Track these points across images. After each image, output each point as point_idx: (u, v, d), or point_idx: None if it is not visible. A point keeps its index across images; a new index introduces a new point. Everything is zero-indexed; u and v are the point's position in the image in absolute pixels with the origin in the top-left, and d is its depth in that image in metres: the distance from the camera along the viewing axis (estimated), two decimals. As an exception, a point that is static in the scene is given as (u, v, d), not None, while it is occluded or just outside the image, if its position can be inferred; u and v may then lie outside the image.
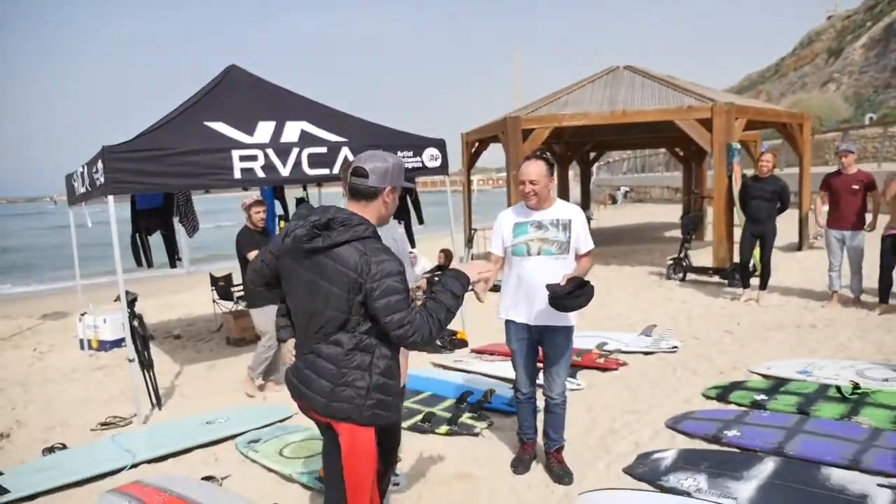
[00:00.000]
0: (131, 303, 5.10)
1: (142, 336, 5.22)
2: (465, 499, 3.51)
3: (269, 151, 5.57)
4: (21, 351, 7.96)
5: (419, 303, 2.39)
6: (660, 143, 17.19)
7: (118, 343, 7.28)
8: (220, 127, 5.78)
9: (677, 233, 10.00)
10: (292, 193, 8.48)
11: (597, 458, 3.85)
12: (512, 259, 3.52)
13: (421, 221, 7.68)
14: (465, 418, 4.45)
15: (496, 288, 3.58)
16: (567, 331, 3.54)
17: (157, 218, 7.30)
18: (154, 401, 5.32)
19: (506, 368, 3.88)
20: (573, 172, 19.39)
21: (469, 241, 11.30)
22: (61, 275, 17.62)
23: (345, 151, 5.91)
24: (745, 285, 7.72)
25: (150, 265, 7.49)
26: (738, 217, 8.17)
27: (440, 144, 6.55)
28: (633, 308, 7.79)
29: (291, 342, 2.64)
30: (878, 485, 3.15)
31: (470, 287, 2.51)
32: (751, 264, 7.71)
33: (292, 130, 6.01)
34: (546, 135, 9.99)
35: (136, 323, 5.15)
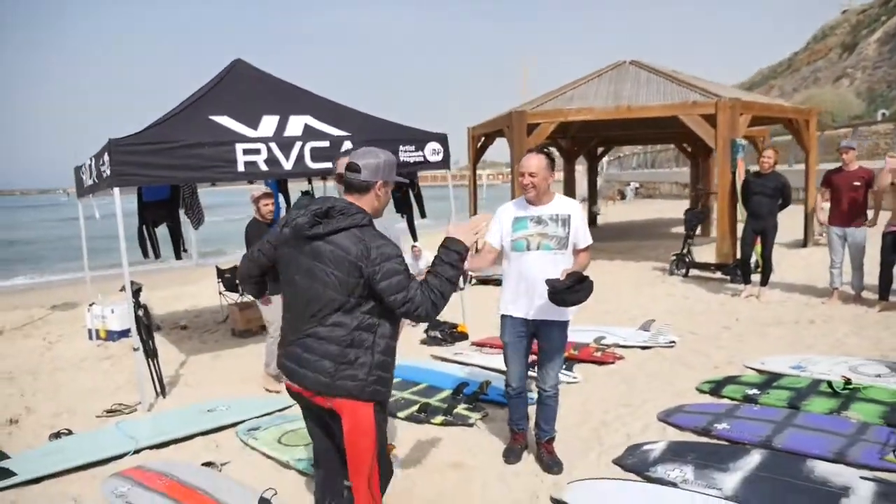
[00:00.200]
0: (136, 293, 5.21)
1: (146, 325, 5.33)
2: (458, 486, 3.59)
3: (273, 145, 5.65)
4: (32, 340, 8.12)
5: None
6: (667, 139, 17.16)
7: (126, 333, 7.40)
8: (224, 121, 5.86)
9: (683, 229, 10.03)
10: (297, 186, 8.57)
11: (588, 450, 3.92)
12: (511, 254, 3.57)
13: (423, 215, 7.76)
14: (461, 409, 4.53)
15: (498, 282, 3.65)
16: (563, 325, 3.60)
17: (164, 210, 7.42)
18: (158, 389, 5.43)
19: (503, 361, 3.97)
20: (581, 167, 19.40)
21: (473, 236, 11.35)
22: (72, 266, 17.83)
23: (347, 146, 5.97)
24: (746, 281, 7.74)
25: (157, 256, 7.60)
26: (741, 213, 8.19)
27: (442, 139, 6.61)
28: (633, 303, 7.83)
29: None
30: (861, 477, 3.20)
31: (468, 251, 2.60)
32: (753, 260, 7.74)
33: (296, 124, 6.09)
34: (551, 129, 10.03)
35: (140, 312, 5.26)
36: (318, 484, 2.84)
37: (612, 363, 5.50)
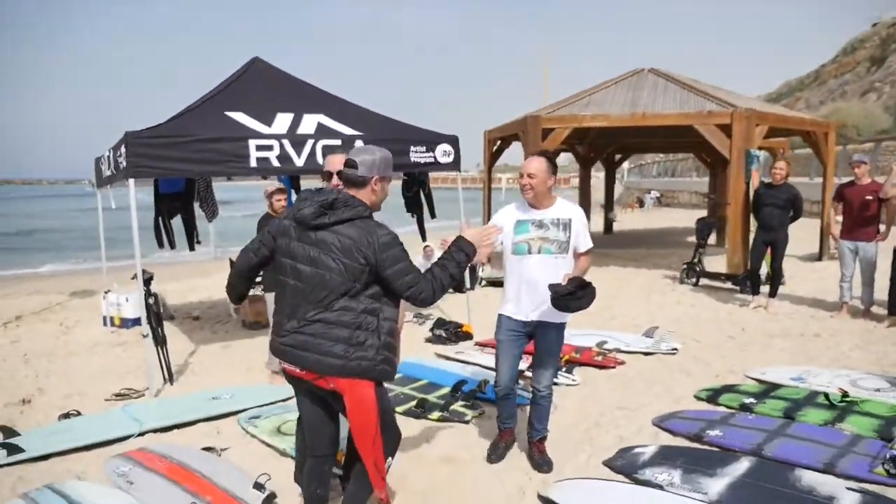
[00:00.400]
0: (147, 281, 5.34)
1: (156, 314, 5.46)
2: (449, 480, 3.65)
3: (285, 142, 5.77)
4: (49, 325, 8.34)
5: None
6: (685, 148, 17.08)
7: (139, 321, 7.55)
8: (239, 117, 6.00)
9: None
10: (310, 183, 8.70)
11: (579, 450, 3.97)
12: (513, 257, 3.61)
13: (433, 216, 7.84)
14: (458, 406, 4.60)
15: (500, 283, 3.71)
16: (560, 327, 3.65)
17: (179, 202, 7.57)
18: (166, 376, 5.57)
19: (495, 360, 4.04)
20: (599, 174, 19.37)
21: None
22: (92, 255, 18.17)
23: (359, 145, 6.08)
24: (755, 292, 7.71)
25: (172, 247, 7.77)
26: (755, 224, 8.16)
27: (453, 141, 6.69)
28: (641, 310, 7.84)
29: None
30: (848, 488, 3.21)
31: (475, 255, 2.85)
32: (764, 272, 7.71)
33: (309, 123, 6.21)
34: (565, 135, 10.06)
35: (150, 301, 5.39)
36: (307, 471, 2.93)
37: (613, 368, 5.54)
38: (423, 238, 8.35)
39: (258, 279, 7.60)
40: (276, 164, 5.72)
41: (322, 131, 6.10)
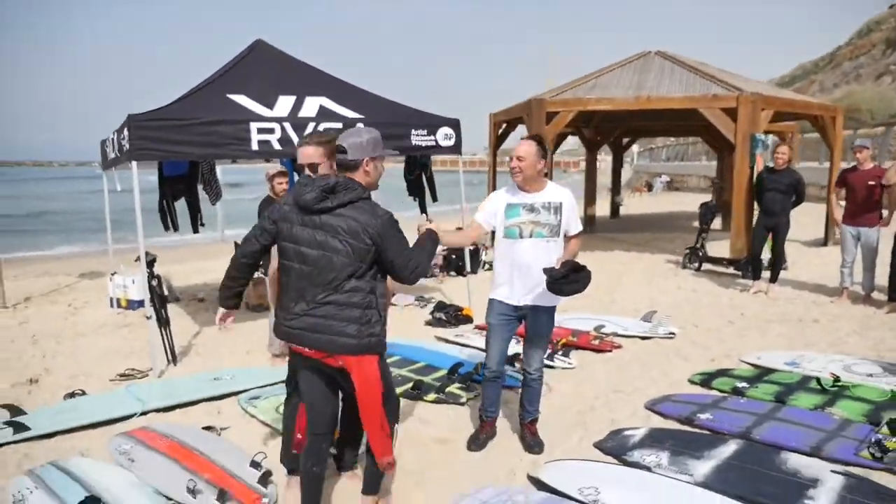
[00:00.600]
0: (150, 263, 5.42)
1: (159, 295, 5.55)
2: (441, 459, 3.73)
3: (287, 125, 5.82)
4: (57, 306, 8.46)
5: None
6: (692, 131, 16.96)
7: (144, 303, 7.69)
8: (241, 100, 6.04)
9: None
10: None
11: (571, 433, 4.03)
12: (504, 241, 3.64)
13: (435, 199, 7.87)
14: (454, 388, 4.66)
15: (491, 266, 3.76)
16: (551, 310, 3.69)
17: (183, 185, 7.65)
18: (169, 357, 5.67)
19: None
20: (609, 157, 19.23)
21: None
22: (101, 237, 18.34)
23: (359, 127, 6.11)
24: (756, 277, 7.72)
25: (175, 229, 7.86)
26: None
27: (454, 124, 6.71)
28: (641, 294, 7.87)
29: None
30: (832, 471, 3.26)
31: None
32: (767, 257, 7.71)
33: (311, 105, 6.24)
34: (569, 118, 10.03)
35: (154, 283, 5.48)
36: (306, 449, 2.99)
37: (610, 351, 5.58)
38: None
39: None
40: (277, 147, 5.77)
41: (324, 114, 6.14)
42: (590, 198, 15.61)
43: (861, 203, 6.81)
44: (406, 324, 6.72)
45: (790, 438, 3.64)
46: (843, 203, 7.16)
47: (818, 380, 4.43)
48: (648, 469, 3.42)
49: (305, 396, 2.97)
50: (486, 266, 9.82)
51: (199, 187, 7.93)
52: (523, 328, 3.77)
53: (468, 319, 6.70)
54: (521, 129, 11.65)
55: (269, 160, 7.10)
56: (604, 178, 21.33)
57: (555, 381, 4.90)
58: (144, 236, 5.39)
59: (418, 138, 6.46)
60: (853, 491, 3.07)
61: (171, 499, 3.30)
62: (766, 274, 7.68)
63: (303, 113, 6.08)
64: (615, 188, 18.54)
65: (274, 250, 2.98)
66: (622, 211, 18.76)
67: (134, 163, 5.29)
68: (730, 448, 3.56)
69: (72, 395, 4.87)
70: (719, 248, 10.15)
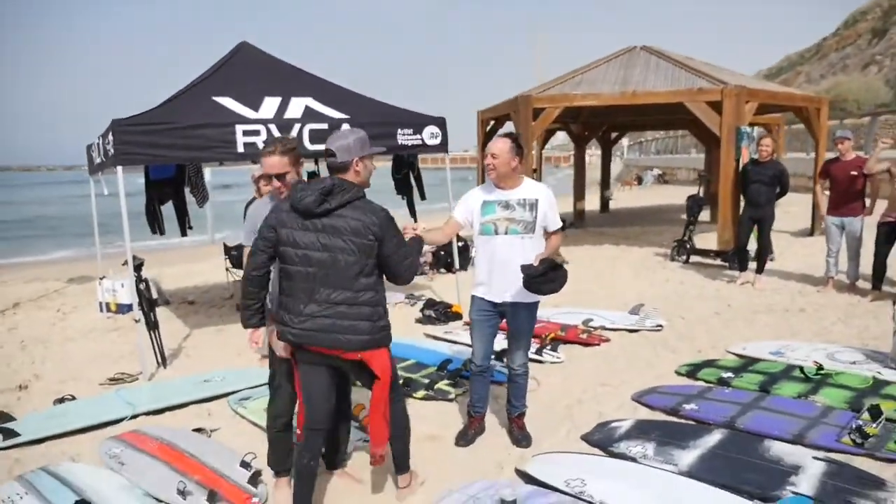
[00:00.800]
0: (138, 267, 5.43)
1: (147, 299, 5.56)
2: (431, 455, 3.75)
3: (272, 127, 5.82)
4: (46, 312, 8.45)
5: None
6: (680, 125, 17.05)
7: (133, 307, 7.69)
8: (227, 102, 6.04)
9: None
10: (304, 167, 8.74)
11: (559, 426, 4.07)
12: (480, 238, 3.68)
13: (423, 197, 7.89)
14: (443, 385, 4.70)
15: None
16: (531, 307, 3.71)
17: (170, 188, 7.64)
18: (159, 360, 5.68)
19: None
20: (598, 152, 19.27)
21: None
22: (90, 241, 18.28)
23: (345, 128, 6.12)
24: (743, 268, 7.79)
25: (162, 232, 7.85)
26: None
27: (440, 123, 6.72)
28: (629, 287, 7.92)
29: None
30: (814, 457, 3.31)
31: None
32: (754, 248, 7.77)
33: (297, 106, 6.25)
34: (556, 114, 10.07)
35: (142, 286, 5.48)
36: (302, 444, 3.04)
37: (598, 345, 5.63)
38: (415, 220, 8.40)
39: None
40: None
41: (309, 115, 6.14)
42: (579, 192, 15.67)
43: (844, 193, 6.89)
44: (396, 321, 6.63)
45: (773, 427, 3.69)
46: (828, 193, 7.23)
47: (801, 368, 4.49)
48: (634, 460, 3.47)
49: (305, 392, 3.02)
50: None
51: (187, 190, 7.91)
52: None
53: (458, 316, 6.73)
54: (510, 126, 11.68)
55: (256, 161, 7.09)
56: (594, 172, 21.40)
57: (543, 375, 4.95)
58: (133, 240, 5.39)
59: (404, 137, 6.48)
60: (834, 477, 3.12)
61: (161, 501, 3.32)
62: (752, 265, 7.75)
63: (288, 114, 6.08)
64: (604, 182, 18.60)
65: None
66: (612, 205, 18.82)
67: (119, 167, 5.28)
68: (714, 437, 3.61)
69: (61, 400, 4.87)
70: (707, 240, 10.23)
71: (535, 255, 3.50)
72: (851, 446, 3.43)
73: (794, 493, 2.99)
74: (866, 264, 6.91)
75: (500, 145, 3.52)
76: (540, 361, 5.19)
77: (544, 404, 4.40)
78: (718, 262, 8.90)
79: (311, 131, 5.98)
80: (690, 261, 9.29)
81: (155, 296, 6.60)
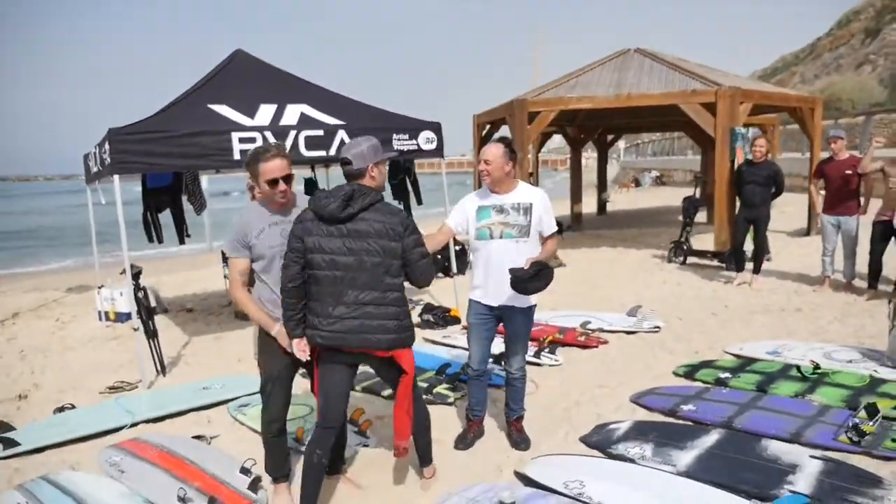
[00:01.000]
0: (136, 276, 5.44)
1: (146, 307, 5.57)
2: (430, 459, 3.76)
3: (268, 134, 5.84)
4: (45, 321, 8.45)
5: None
6: (675, 127, 17.12)
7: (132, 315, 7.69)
8: (222, 109, 6.06)
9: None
10: (300, 174, 8.76)
11: (558, 429, 4.08)
12: (476, 243, 3.69)
13: (419, 202, 7.92)
14: (441, 388, 4.71)
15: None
16: (527, 311, 3.72)
17: (167, 196, 7.66)
18: (158, 368, 5.69)
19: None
20: (588, 154, 19.34)
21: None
22: (88, 250, 18.27)
23: (341, 134, 6.16)
24: (739, 269, 7.81)
25: (160, 241, 7.87)
26: None
27: (436, 128, 6.75)
28: (626, 290, 7.94)
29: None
30: (811, 456, 3.33)
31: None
32: (751, 249, 7.80)
33: (292, 113, 6.27)
34: (551, 117, 10.11)
35: (140, 295, 5.50)
36: (313, 440, 3.10)
37: (596, 347, 5.65)
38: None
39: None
40: (259, 156, 5.78)
41: (304, 121, 6.17)
42: (576, 195, 15.70)
43: (839, 192, 6.92)
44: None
45: (771, 426, 3.71)
46: (823, 193, 7.26)
47: (798, 368, 4.52)
48: (632, 461, 3.49)
49: (323, 391, 3.10)
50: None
51: (184, 198, 7.93)
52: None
53: (456, 320, 6.75)
54: (505, 130, 11.72)
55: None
56: (591, 175, 21.46)
57: (541, 378, 4.97)
58: (131, 249, 5.41)
59: (400, 142, 6.50)
60: (831, 475, 3.14)
61: (161, 508, 3.33)
62: (749, 265, 7.77)
63: (284, 121, 6.10)
64: (601, 185, 18.65)
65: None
66: (609, 207, 18.88)
67: (116, 176, 5.30)
68: (712, 438, 3.63)
69: (61, 409, 4.87)
70: (704, 241, 10.26)
71: (527, 259, 3.51)
72: (848, 444, 3.45)
73: (791, 491, 3.00)
74: (862, 263, 6.94)
75: (493, 151, 3.55)
76: (538, 364, 5.21)
77: (543, 407, 4.42)
78: (715, 263, 8.93)
79: (307, 138, 6.00)
80: (687, 262, 9.32)
81: (153, 304, 6.61)
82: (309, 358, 3.08)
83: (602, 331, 6.00)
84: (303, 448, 3.88)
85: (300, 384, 3.61)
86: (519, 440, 3.84)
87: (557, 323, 6.20)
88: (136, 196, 7.82)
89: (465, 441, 3.89)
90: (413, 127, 6.63)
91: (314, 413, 3.83)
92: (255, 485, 3.42)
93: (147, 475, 3.61)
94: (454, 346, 5.84)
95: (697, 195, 10.11)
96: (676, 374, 4.87)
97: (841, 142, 6.82)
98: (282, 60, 7.03)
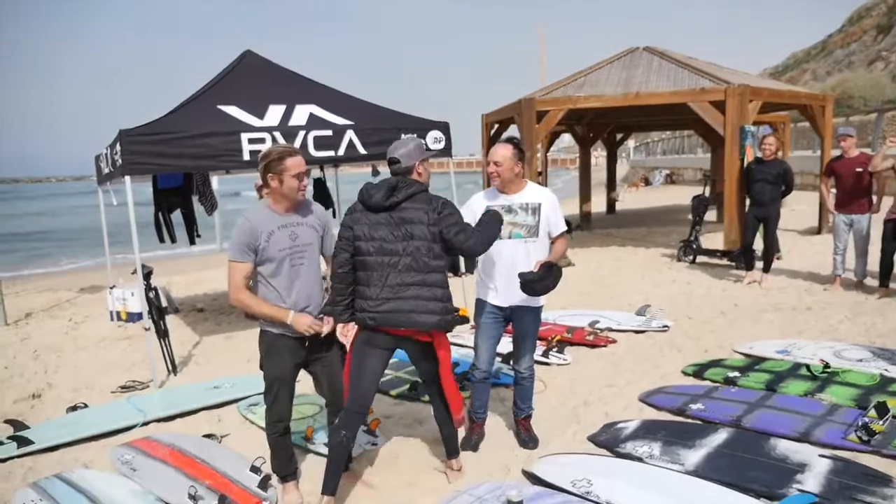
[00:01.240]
0: (147, 276, 5.49)
1: (157, 307, 5.62)
2: (438, 460, 3.77)
3: (277, 134, 5.89)
4: (58, 321, 8.54)
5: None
6: (685, 125, 17.04)
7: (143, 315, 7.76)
8: (232, 110, 6.11)
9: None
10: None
11: (566, 427, 4.09)
12: None
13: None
14: (450, 388, 4.71)
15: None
16: (536, 311, 3.73)
17: (178, 197, 7.72)
18: (170, 367, 5.74)
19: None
20: (597, 153, 19.28)
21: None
22: (100, 251, 18.42)
23: (349, 134, 6.19)
24: (749, 267, 7.77)
25: (172, 241, 7.93)
26: None
27: (444, 127, 6.77)
28: (636, 288, 7.92)
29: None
30: (820, 455, 3.32)
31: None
32: (761, 248, 7.76)
33: (301, 114, 6.31)
34: (559, 116, 10.09)
35: (151, 295, 5.55)
36: (340, 421, 3.22)
37: (605, 346, 5.64)
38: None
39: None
40: (268, 157, 5.82)
41: (313, 122, 6.20)
42: (585, 194, 15.66)
43: (850, 191, 6.87)
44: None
45: (780, 425, 3.70)
46: (834, 191, 7.21)
47: (808, 367, 4.49)
48: (640, 460, 3.49)
49: (354, 375, 3.23)
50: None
51: (195, 199, 7.99)
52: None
53: (464, 320, 6.74)
54: (514, 130, 11.72)
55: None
56: (600, 174, 21.39)
57: (550, 377, 4.97)
58: (142, 249, 5.47)
59: (408, 142, 6.52)
60: (840, 474, 3.13)
61: (172, 506, 3.36)
62: (759, 264, 7.73)
63: (293, 122, 6.15)
64: (610, 184, 18.60)
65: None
66: (618, 206, 18.83)
67: (127, 177, 5.36)
68: (720, 436, 3.62)
69: (74, 408, 4.93)
70: (714, 240, 10.22)
71: (536, 261, 3.51)
72: (858, 443, 3.43)
73: (800, 490, 3.00)
74: (874, 262, 6.89)
75: (502, 152, 3.55)
76: (547, 363, 5.22)
77: (551, 406, 4.43)
78: (725, 261, 8.88)
79: (316, 138, 6.05)
80: (697, 261, 9.28)
81: (164, 304, 6.67)
82: (348, 338, 3.28)
83: (611, 330, 5.99)
84: (311, 447, 3.93)
85: (306, 384, 3.63)
86: (527, 439, 3.85)
87: (566, 322, 6.20)
88: (147, 197, 7.89)
89: (469, 443, 3.88)
90: (421, 127, 6.65)
91: (323, 412, 3.87)
92: (264, 483, 3.45)
93: (158, 473, 3.65)
94: (462, 346, 5.85)
95: (707, 194, 10.06)
96: (685, 373, 4.86)
97: (850, 139, 6.77)
98: (290, 61, 7.07)
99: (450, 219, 3.14)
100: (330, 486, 3.17)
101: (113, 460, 3.93)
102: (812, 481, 3.08)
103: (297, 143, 5.92)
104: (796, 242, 10.20)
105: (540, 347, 5.26)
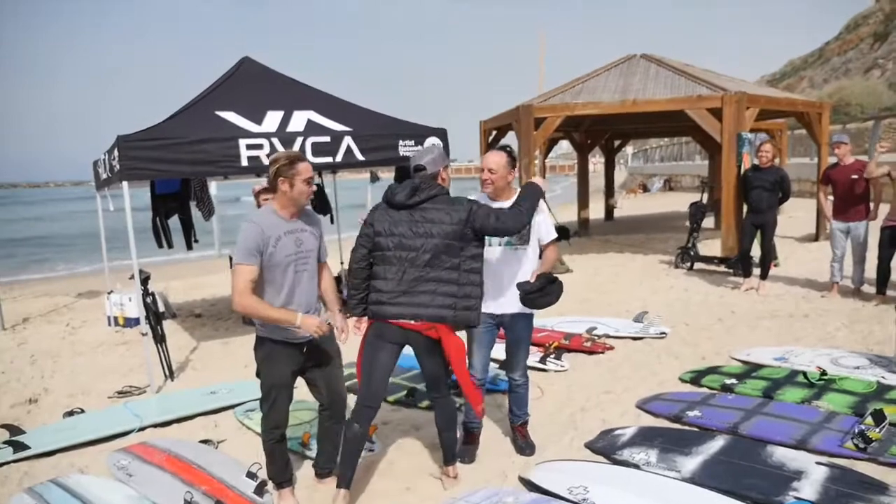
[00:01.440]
0: (144, 281, 5.49)
1: (154, 312, 5.62)
2: (435, 466, 3.77)
3: (275, 140, 5.90)
4: (55, 326, 8.52)
5: None
6: (682, 132, 17.08)
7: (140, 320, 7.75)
8: (230, 116, 6.12)
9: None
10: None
11: (563, 434, 4.09)
12: None
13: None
14: (447, 394, 4.71)
15: None
16: (528, 317, 3.72)
17: (175, 202, 7.72)
18: (166, 372, 5.73)
19: (496, 350, 4.12)
20: (596, 160, 19.32)
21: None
22: (98, 256, 18.39)
23: (347, 140, 6.21)
24: (747, 274, 7.79)
25: (170, 246, 7.93)
26: None
27: (441, 133, 6.79)
28: (633, 295, 7.93)
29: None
30: (817, 462, 3.32)
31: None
32: (758, 255, 7.77)
33: (299, 120, 6.33)
34: (557, 123, 10.13)
35: (148, 300, 5.54)
36: (355, 414, 3.32)
37: (602, 353, 5.64)
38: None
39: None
40: (266, 162, 5.82)
41: (311, 128, 6.22)
42: (583, 201, 15.70)
43: (847, 198, 6.90)
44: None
45: (776, 432, 3.70)
46: (831, 198, 7.24)
47: (805, 374, 4.50)
48: (637, 467, 3.49)
49: (366, 370, 3.32)
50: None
51: (193, 204, 7.99)
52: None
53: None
54: (512, 136, 11.75)
55: (261, 175, 7.18)
56: (598, 180, 21.43)
57: (547, 383, 4.97)
58: (139, 255, 5.47)
59: (406, 148, 6.55)
60: (836, 482, 3.13)
61: (168, 512, 3.35)
62: (757, 271, 7.75)
63: (291, 128, 6.16)
64: (608, 190, 18.64)
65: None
66: (616, 213, 18.85)
67: (125, 182, 5.36)
68: (717, 444, 3.62)
69: (71, 413, 4.93)
70: (711, 246, 10.24)
71: (531, 271, 3.52)
72: (855, 451, 3.43)
73: (796, 497, 3.00)
74: (871, 269, 6.91)
75: (496, 159, 3.54)
76: (544, 370, 5.22)
77: (548, 412, 4.43)
78: (722, 268, 8.89)
79: (314, 144, 6.06)
80: (694, 268, 9.30)
81: (162, 309, 6.66)
82: (360, 331, 3.38)
83: (608, 336, 6.00)
84: (308, 453, 3.92)
85: (302, 390, 3.62)
86: (524, 445, 3.85)
87: (563, 328, 6.20)
88: (145, 202, 7.89)
89: (468, 454, 3.83)
90: (419, 133, 6.67)
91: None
92: (261, 489, 3.44)
93: (155, 479, 3.65)
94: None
95: (704, 200, 10.09)
96: (682, 380, 4.87)
97: (844, 147, 6.80)
98: (289, 62, 7.10)
99: (482, 210, 3.27)
100: (345, 480, 3.26)
101: (109, 466, 3.92)
102: (808, 489, 3.08)
103: (295, 149, 5.93)
104: (794, 249, 10.22)
105: (537, 354, 5.27)
